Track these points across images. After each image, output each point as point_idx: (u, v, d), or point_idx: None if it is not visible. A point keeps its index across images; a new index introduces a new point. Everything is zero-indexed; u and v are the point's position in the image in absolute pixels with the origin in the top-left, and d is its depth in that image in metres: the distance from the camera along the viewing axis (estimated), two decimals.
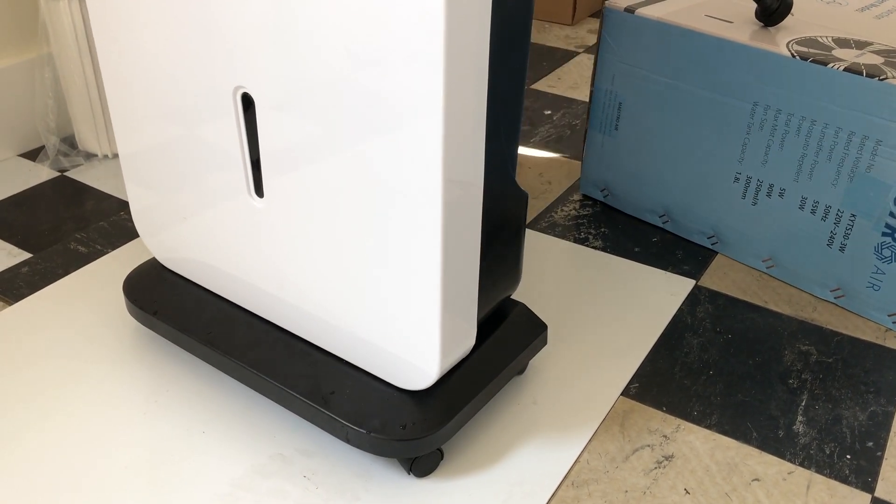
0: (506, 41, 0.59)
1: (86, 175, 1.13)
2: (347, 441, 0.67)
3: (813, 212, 0.90)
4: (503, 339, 0.73)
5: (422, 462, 0.68)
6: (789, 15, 0.93)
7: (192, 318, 0.77)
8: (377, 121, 0.56)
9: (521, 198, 0.69)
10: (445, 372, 0.66)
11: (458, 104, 0.54)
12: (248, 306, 0.76)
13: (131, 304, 0.80)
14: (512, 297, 0.77)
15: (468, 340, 0.67)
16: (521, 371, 0.79)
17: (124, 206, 1.05)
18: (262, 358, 0.72)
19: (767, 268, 0.96)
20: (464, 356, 0.68)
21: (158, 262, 0.83)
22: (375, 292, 0.63)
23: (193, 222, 0.74)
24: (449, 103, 0.53)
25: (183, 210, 0.74)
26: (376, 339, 0.65)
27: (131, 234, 1.00)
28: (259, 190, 0.67)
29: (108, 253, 0.96)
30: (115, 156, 1.17)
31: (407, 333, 0.63)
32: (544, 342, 0.77)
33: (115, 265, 0.95)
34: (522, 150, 1.23)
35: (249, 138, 0.65)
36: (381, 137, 0.56)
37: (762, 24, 0.93)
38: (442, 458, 0.70)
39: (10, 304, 0.88)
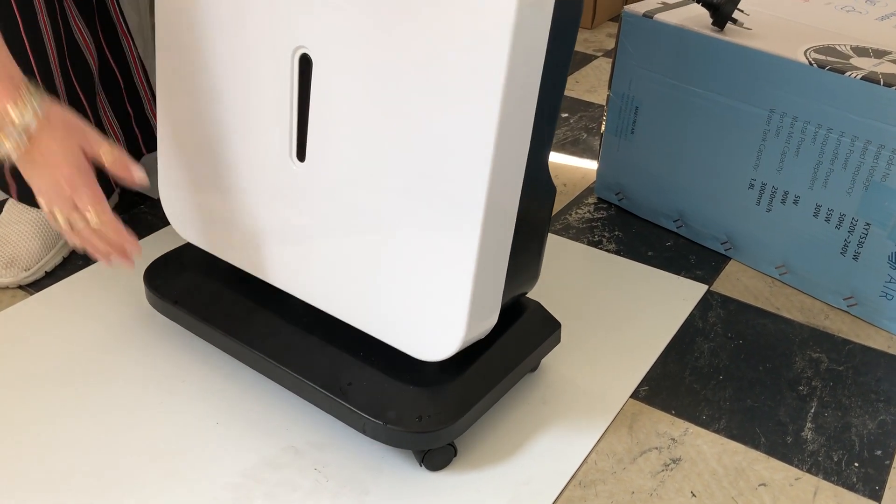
0: (554, 49, 0.61)
1: None
2: (364, 432, 0.68)
3: (827, 220, 0.90)
4: (518, 335, 0.74)
5: (435, 456, 0.69)
6: (746, 28, 0.94)
7: (211, 308, 0.78)
8: (435, 94, 0.58)
9: (550, 191, 0.70)
10: (466, 345, 0.66)
11: (519, 87, 0.57)
12: (271, 278, 0.75)
13: (151, 294, 0.81)
14: (527, 296, 0.78)
15: (490, 320, 0.68)
16: (534, 368, 0.79)
17: (144, 199, 1.07)
18: (280, 349, 0.73)
19: (780, 274, 0.96)
20: (484, 335, 0.68)
21: (179, 253, 0.84)
22: (411, 259, 0.64)
23: (227, 193, 0.74)
24: (510, 82, 0.55)
25: (218, 176, 0.74)
26: (403, 307, 0.66)
27: (150, 227, 1.01)
28: (301, 154, 0.68)
29: None
30: None
31: (436, 301, 0.64)
32: (557, 340, 0.78)
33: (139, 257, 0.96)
34: None
35: (300, 101, 0.66)
36: (437, 109, 0.58)
37: (715, 27, 0.94)
38: (455, 455, 0.71)
39: (32, 294, 0.90)
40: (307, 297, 0.74)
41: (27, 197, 0.92)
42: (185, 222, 0.80)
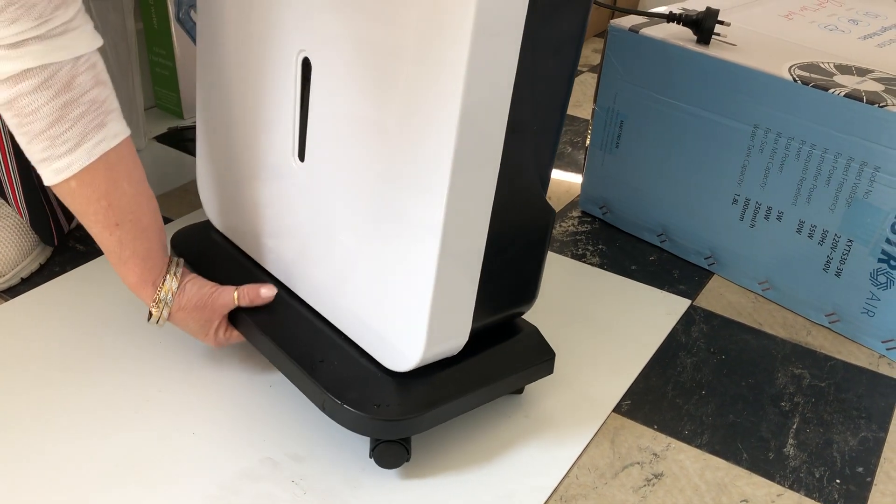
0: (546, 66, 0.61)
1: None
2: (322, 408, 0.67)
3: (810, 236, 0.90)
4: (504, 353, 0.73)
5: (385, 451, 0.68)
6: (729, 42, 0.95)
7: (219, 275, 0.77)
8: (408, 105, 0.58)
9: (546, 213, 0.69)
10: (428, 362, 0.66)
11: (478, 108, 0.56)
12: (271, 268, 0.78)
13: (175, 252, 0.84)
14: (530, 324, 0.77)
15: (458, 339, 0.67)
16: (520, 391, 0.78)
17: None
18: (269, 319, 0.74)
19: (763, 290, 0.97)
20: (451, 353, 0.68)
21: (201, 226, 0.87)
22: (379, 269, 0.65)
23: (241, 185, 0.78)
24: (467, 104, 0.55)
25: (234, 173, 0.78)
26: (371, 315, 0.67)
27: None
28: (302, 154, 0.69)
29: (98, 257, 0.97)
30: None
31: (398, 315, 0.64)
32: (549, 370, 0.75)
33: (106, 268, 0.95)
34: None
35: (303, 104, 0.68)
36: (402, 117, 0.59)
37: (698, 41, 0.94)
38: (408, 459, 0.69)
39: (7, 301, 0.88)
40: (296, 289, 0.76)
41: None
42: (209, 205, 0.86)
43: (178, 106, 1.31)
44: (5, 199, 0.90)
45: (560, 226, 1.09)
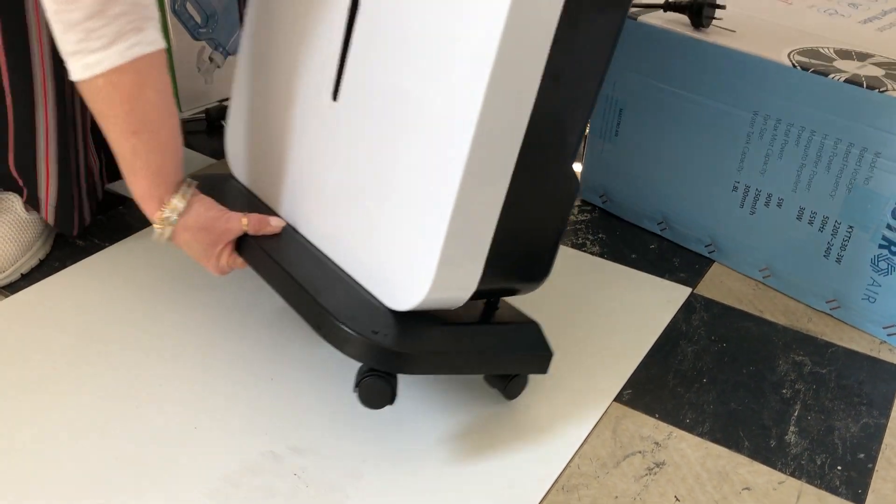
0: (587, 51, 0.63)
1: None
2: (318, 328, 0.67)
3: (811, 222, 0.90)
4: (504, 333, 0.73)
5: (372, 385, 0.66)
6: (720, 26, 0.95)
7: (233, 204, 0.78)
8: (443, 46, 0.61)
9: (571, 180, 0.68)
10: (431, 304, 0.66)
11: (515, 52, 0.58)
12: (284, 212, 0.79)
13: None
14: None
15: (463, 290, 0.67)
16: (511, 394, 0.77)
17: (123, 200, 1.05)
18: (278, 247, 0.74)
19: (764, 277, 0.96)
20: (454, 304, 0.68)
21: (221, 175, 0.88)
22: (396, 208, 0.65)
23: (270, 128, 0.79)
24: (503, 46, 0.57)
25: (266, 116, 0.80)
26: (382, 252, 0.67)
27: (129, 229, 1.00)
28: (336, 93, 0.71)
29: (105, 247, 0.97)
30: None
31: (410, 251, 0.65)
32: (544, 368, 0.75)
33: (113, 260, 0.95)
34: None
35: (343, 45, 0.70)
36: (442, 61, 0.61)
37: (695, 26, 0.94)
38: (392, 402, 0.67)
39: (7, 297, 0.88)
40: (308, 232, 0.76)
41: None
42: (233, 153, 0.87)
43: (175, 98, 1.31)
44: (33, 185, 0.90)
45: None
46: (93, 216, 0.98)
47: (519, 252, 0.69)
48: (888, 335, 0.88)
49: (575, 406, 0.78)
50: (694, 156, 0.97)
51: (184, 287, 0.90)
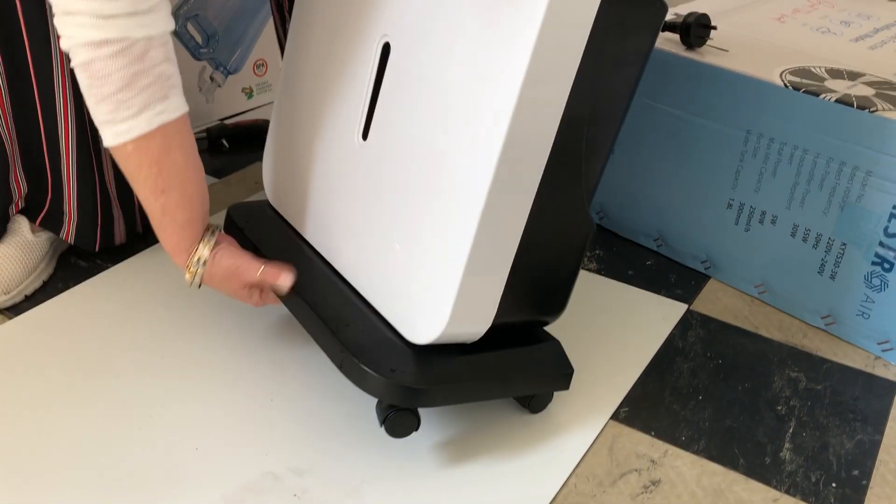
0: (607, 82, 0.65)
1: None
2: (340, 368, 0.70)
3: (804, 239, 0.91)
4: (523, 355, 0.75)
5: (397, 420, 0.69)
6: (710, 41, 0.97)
7: (265, 245, 0.83)
8: (465, 99, 0.63)
9: (587, 223, 0.71)
10: (448, 339, 0.68)
11: (535, 100, 0.60)
12: (313, 240, 0.82)
13: (230, 221, 0.88)
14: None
15: (479, 325, 0.69)
16: (535, 409, 0.78)
17: None
18: (305, 283, 0.76)
19: (759, 293, 0.97)
20: (470, 338, 0.70)
21: (258, 203, 0.91)
22: (417, 245, 0.68)
23: (303, 161, 0.82)
24: (524, 95, 0.59)
25: (299, 149, 0.83)
26: (402, 287, 0.70)
27: (132, 249, 1.01)
28: (366, 133, 0.73)
29: (108, 268, 0.98)
30: None
31: (428, 288, 0.67)
32: (566, 385, 0.76)
33: (116, 280, 0.96)
34: None
35: (375, 86, 0.73)
36: (463, 113, 0.64)
37: (687, 46, 0.96)
38: (417, 428, 0.70)
39: (11, 318, 0.89)
40: (334, 261, 0.79)
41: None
42: (268, 182, 0.90)
43: None
44: (52, 205, 0.93)
45: None
46: (129, 235, 1.00)
47: (534, 289, 0.71)
48: (882, 351, 0.89)
49: (572, 424, 0.78)
50: (689, 173, 0.98)
51: (185, 307, 0.91)
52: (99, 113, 0.65)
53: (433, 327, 0.66)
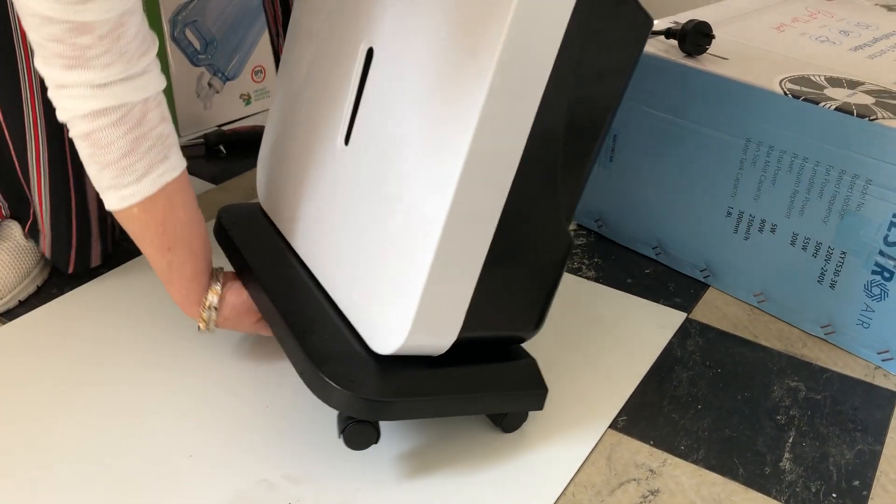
0: (585, 93, 0.64)
1: None
2: (301, 376, 0.68)
3: (804, 248, 0.90)
4: (493, 372, 0.73)
5: (355, 431, 0.67)
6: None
7: (252, 249, 0.82)
8: (434, 105, 0.62)
9: (562, 240, 0.69)
10: (410, 351, 0.66)
11: (503, 110, 0.59)
12: (296, 245, 0.81)
13: (219, 222, 0.87)
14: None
15: (443, 338, 0.67)
16: (507, 428, 0.77)
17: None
18: (279, 288, 0.76)
19: (759, 302, 0.97)
20: (435, 351, 0.68)
21: (250, 204, 0.91)
22: (383, 252, 0.67)
23: (291, 166, 0.82)
24: (489, 106, 0.58)
25: (288, 155, 0.83)
26: (369, 295, 0.68)
27: (128, 255, 1.00)
28: (348, 137, 0.73)
29: (102, 274, 0.97)
30: None
31: (392, 298, 0.66)
32: (539, 405, 0.75)
33: (110, 287, 0.95)
34: None
35: (358, 92, 0.72)
36: (432, 117, 0.63)
37: (686, 53, 0.95)
38: (377, 441, 0.69)
39: (4, 324, 0.88)
40: (312, 266, 0.78)
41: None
42: (261, 185, 0.89)
43: (174, 124, 1.32)
44: (34, 219, 0.92)
45: None
46: (105, 257, 0.98)
47: (506, 304, 0.70)
48: (882, 360, 0.88)
49: (570, 433, 0.78)
50: (688, 181, 0.97)
51: (179, 314, 0.90)
52: (103, 179, 0.65)
53: (395, 337, 0.65)
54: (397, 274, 0.65)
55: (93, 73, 0.59)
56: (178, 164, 0.68)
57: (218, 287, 0.76)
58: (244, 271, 0.79)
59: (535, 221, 0.67)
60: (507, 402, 0.74)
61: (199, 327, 0.77)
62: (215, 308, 0.76)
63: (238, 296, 0.78)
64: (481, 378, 0.72)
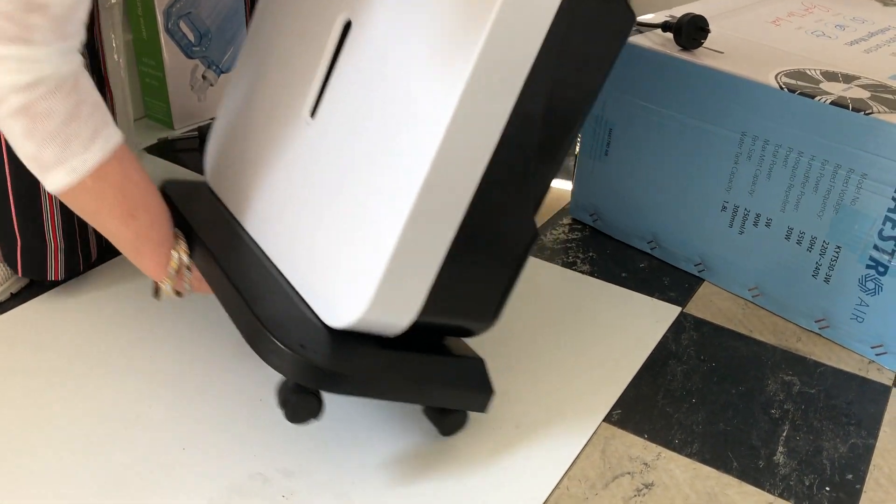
0: (567, 79, 0.63)
1: None
2: (247, 339, 0.65)
3: (799, 242, 0.90)
4: (442, 365, 0.71)
5: (296, 400, 0.65)
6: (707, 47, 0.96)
7: (196, 222, 0.78)
8: (416, 76, 0.62)
9: (527, 232, 0.69)
10: (367, 325, 0.65)
11: (480, 96, 0.59)
12: (245, 221, 0.78)
13: (165, 196, 0.80)
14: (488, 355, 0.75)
15: (401, 317, 0.66)
16: (446, 430, 0.75)
17: None
18: (228, 256, 0.73)
19: (753, 296, 0.97)
20: (391, 330, 0.67)
21: (193, 181, 0.87)
22: (349, 225, 0.66)
23: (247, 139, 0.80)
24: (469, 90, 0.58)
25: (245, 128, 0.81)
26: (328, 267, 0.67)
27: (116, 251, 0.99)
28: (314, 111, 0.72)
29: (95, 267, 0.97)
30: None
31: (354, 270, 0.65)
32: (482, 406, 0.73)
33: (103, 279, 0.95)
34: None
35: (332, 62, 0.71)
36: (411, 95, 0.62)
37: (681, 47, 0.95)
38: (317, 415, 0.66)
39: None
40: (262, 242, 0.75)
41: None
42: (210, 160, 0.86)
43: (167, 116, 1.31)
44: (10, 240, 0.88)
45: (551, 233, 1.09)
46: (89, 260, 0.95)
47: (466, 290, 0.69)
48: (876, 355, 0.88)
49: (564, 426, 0.78)
50: (683, 176, 0.97)
51: (171, 309, 0.90)
52: (46, 157, 0.62)
53: (354, 309, 0.63)
54: (362, 246, 0.64)
55: (34, 48, 0.58)
56: (116, 129, 0.66)
57: (184, 245, 0.73)
58: (193, 243, 0.75)
59: (504, 208, 0.66)
60: (454, 398, 0.72)
61: (166, 291, 0.72)
62: (188, 268, 0.73)
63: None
64: (431, 368, 0.70)
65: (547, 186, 0.68)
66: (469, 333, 0.73)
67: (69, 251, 0.90)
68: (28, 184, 0.84)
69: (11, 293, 0.91)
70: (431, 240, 0.64)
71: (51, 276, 0.90)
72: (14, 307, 0.89)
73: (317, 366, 0.63)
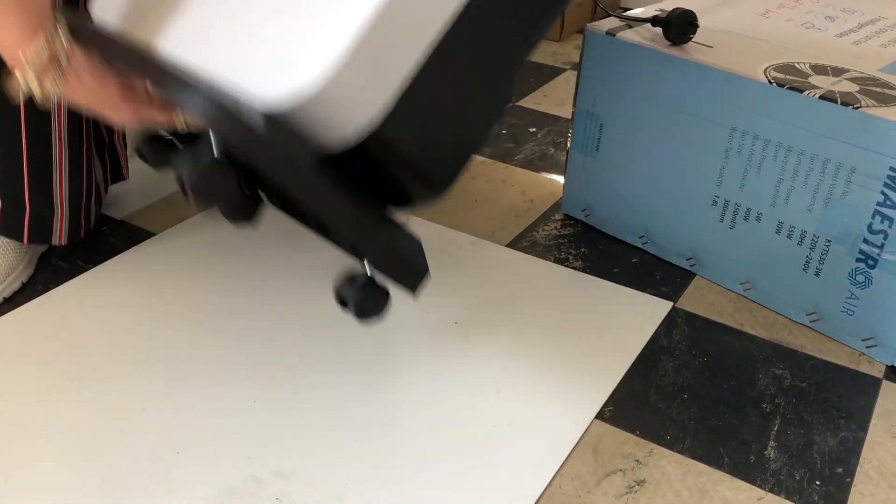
0: None
1: None
2: (204, 106, 0.55)
3: (789, 236, 0.90)
4: (385, 221, 0.64)
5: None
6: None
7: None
8: None
9: (506, 86, 0.62)
10: (319, 111, 0.55)
11: None
12: (162, 39, 0.62)
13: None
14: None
15: (359, 112, 0.57)
16: (361, 311, 0.65)
17: (106, 221, 1.05)
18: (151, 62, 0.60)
19: (744, 290, 0.97)
20: (337, 134, 0.57)
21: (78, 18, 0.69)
22: None
23: None
24: None
25: None
26: (283, 32, 0.57)
27: (113, 250, 1.00)
28: None
29: (89, 269, 0.97)
30: None
31: (321, 30, 0.55)
32: (414, 283, 0.64)
33: (97, 282, 0.95)
34: (505, 168, 1.24)
35: None
36: None
37: (670, 42, 0.95)
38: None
39: None
40: (181, 47, 0.61)
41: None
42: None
43: None
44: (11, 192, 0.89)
45: (543, 229, 1.09)
46: (88, 225, 0.97)
47: (428, 118, 0.60)
48: (867, 348, 0.89)
49: (556, 423, 0.78)
50: (674, 171, 0.97)
51: (166, 309, 0.90)
52: None
53: (318, 68, 0.53)
54: (333, 9, 0.54)
55: None
56: None
57: (64, 23, 0.56)
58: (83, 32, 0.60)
59: (487, 37, 0.59)
60: (389, 261, 0.63)
61: (34, 87, 0.56)
62: (66, 55, 0.55)
63: (92, 56, 0.58)
64: (376, 215, 0.63)
65: (530, 48, 0.62)
66: (411, 199, 0.64)
67: (73, 215, 0.92)
68: (45, 150, 0.85)
69: (4, 297, 0.91)
70: (413, 27, 0.55)
71: (55, 240, 0.92)
72: (7, 311, 0.89)
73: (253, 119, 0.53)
